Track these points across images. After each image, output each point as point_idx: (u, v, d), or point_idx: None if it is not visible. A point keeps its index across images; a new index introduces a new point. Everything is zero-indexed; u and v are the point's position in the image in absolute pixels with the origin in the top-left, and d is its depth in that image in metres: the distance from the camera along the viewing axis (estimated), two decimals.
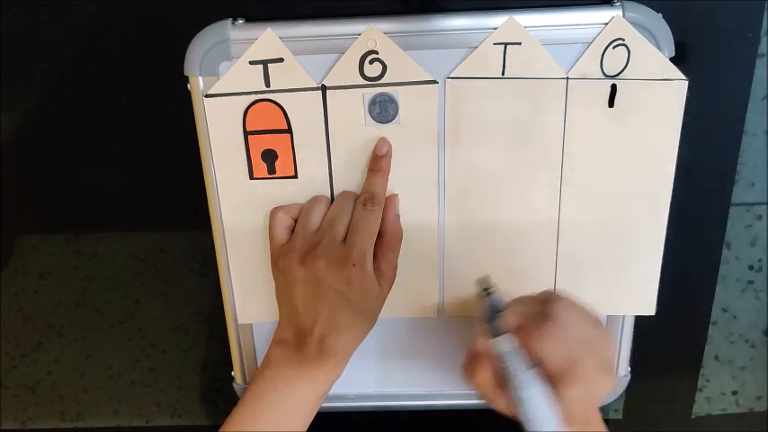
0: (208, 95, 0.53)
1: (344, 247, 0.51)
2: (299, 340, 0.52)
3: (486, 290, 0.50)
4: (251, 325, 0.61)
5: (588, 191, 0.55)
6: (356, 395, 0.65)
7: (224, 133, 0.54)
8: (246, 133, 0.54)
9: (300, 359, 0.51)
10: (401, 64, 0.51)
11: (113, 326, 0.67)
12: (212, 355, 0.68)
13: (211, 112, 0.53)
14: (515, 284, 0.58)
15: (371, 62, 0.51)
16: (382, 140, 0.53)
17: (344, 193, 0.55)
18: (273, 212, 0.55)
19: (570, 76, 0.52)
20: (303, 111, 0.53)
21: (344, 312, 0.51)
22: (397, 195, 0.55)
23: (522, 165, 0.54)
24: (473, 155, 0.54)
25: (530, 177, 0.55)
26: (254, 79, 0.52)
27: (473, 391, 0.64)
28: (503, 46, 0.51)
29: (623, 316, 0.60)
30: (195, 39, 0.52)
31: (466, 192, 0.56)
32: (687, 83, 0.51)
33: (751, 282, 0.65)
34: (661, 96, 0.52)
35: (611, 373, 0.47)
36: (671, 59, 0.51)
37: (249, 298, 0.59)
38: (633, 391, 0.67)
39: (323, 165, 0.55)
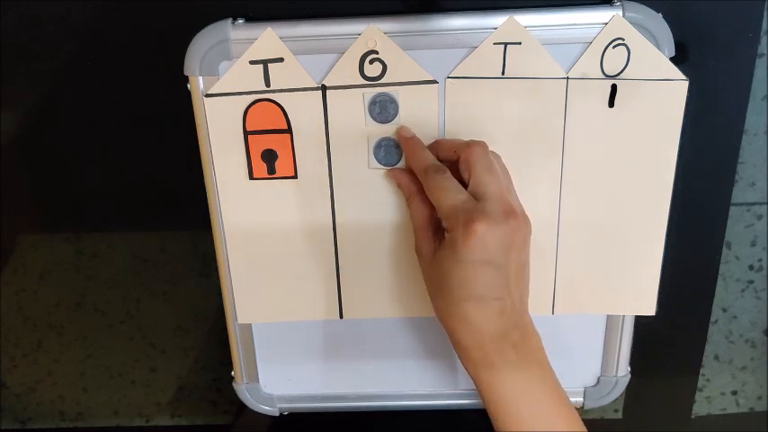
0: (208, 95, 0.53)
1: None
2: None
3: None
4: (251, 325, 0.61)
5: (588, 191, 0.55)
6: (356, 395, 0.65)
7: (224, 133, 0.54)
8: (246, 133, 0.54)
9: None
10: (401, 64, 0.51)
11: (113, 326, 0.67)
12: (212, 355, 0.68)
13: (211, 112, 0.53)
14: None
15: (371, 62, 0.51)
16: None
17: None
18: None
19: (570, 75, 0.52)
20: (303, 111, 0.53)
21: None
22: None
23: (522, 164, 0.54)
24: None
25: (529, 177, 0.55)
26: (254, 79, 0.52)
27: (473, 391, 0.65)
28: (503, 46, 0.51)
29: (623, 316, 0.60)
30: (195, 39, 0.52)
31: None
32: (687, 83, 0.51)
33: (751, 282, 0.65)
34: (661, 96, 0.52)
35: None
36: (671, 59, 0.51)
37: (249, 298, 0.59)
38: (633, 391, 0.67)
39: (323, 165, 0.55)
